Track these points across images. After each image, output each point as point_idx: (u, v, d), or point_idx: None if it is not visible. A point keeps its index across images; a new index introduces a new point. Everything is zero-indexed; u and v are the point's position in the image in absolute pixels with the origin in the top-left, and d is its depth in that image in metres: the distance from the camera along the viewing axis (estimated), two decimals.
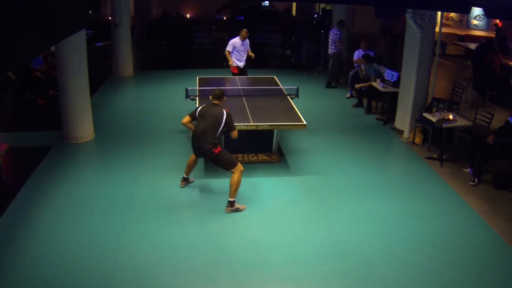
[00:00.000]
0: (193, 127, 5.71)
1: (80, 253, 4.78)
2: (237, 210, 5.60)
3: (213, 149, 5.42)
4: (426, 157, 7.35)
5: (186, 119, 5.74)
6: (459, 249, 5.01)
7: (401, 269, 4.65)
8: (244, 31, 9.35)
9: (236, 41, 9.36)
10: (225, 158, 5.54)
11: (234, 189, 5.52)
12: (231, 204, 5.58)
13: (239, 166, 5.57)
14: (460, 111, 8.57)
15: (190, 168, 6.12)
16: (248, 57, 9.60)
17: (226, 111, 5.59)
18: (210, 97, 5.83)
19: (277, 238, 5.14)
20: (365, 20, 16.19)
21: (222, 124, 5.52)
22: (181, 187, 6.17)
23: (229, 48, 9.38)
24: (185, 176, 6.19)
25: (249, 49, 9.60)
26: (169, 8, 17.85)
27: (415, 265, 4.71)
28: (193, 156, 5.98)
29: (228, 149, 6.84)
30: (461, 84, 9.21)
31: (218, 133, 5.51)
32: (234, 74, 9.56)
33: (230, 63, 9.41)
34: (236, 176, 5.52)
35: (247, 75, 9.69)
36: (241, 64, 9.54)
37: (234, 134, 5.73)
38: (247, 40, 9.49)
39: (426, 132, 7.77)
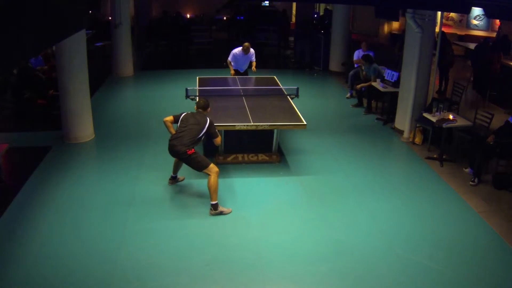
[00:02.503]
0: (173, 131, 5.77)
1: (80, 253, 4.78)
2: (221, 213, 5.54)
3: (187, 151, 5.48)
4: (426, 157, 7.35)
5: (169, 118, 5.83)
6: (459, 249, 5.01)
7: (401, 269, 4.65)
8: (245, 45, 9.12)
9: (237, 52, 9.20)
10: (197, 160, 5.54)
11: (212, 191, 5.47)
12: (214, 207, 5.52)
13: (213, 168, 5.54)
14: (460, 111, 8.57)
15: (176, 167, 6.19)
16: (250, 64, 9.37)
17: (209, 119, 5.72)
18: (195, 107, 5.99)
19: (277, 238, 5.14)
20: (365, 20, 16.19)
21: (204, 131, 5.62)
22: (169, 184, 6.25)
23: (230, 58, 9.28)
24: (172, 175, 6.26)
25: (254, 60, 9.23)
26: (169, 8, 17.85)
27: (415, 265, 4.71)
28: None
29: (228, 149, 6.86)
30: (461, 84, 9.21)
31: (196, 138, 5.58)
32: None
33: (231, 72, 9.32)
34: (211, 178, 5.48)
35: (247, 74, 9.65)
36: (241, 70, 9.47)
37: (217, 141, 5.87)
38: (252, 52, 9.21)
39: (426, 132, 7.77)
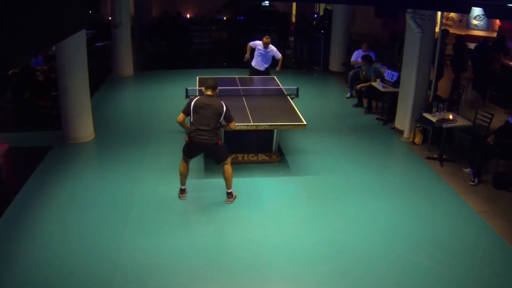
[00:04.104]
0: (188, 127, 5.57)
1: (80, 253, 4.78)
2: (235, 197, 5.87)
3: (218, 142, 5.48)
4: (426, 157, 7.35)
5: (181, 116, 5.54)
6: (459, 249, 5.01)
7: (401, 269, 4.65)
8: (264, 38, 9.02)
9: (259, 44, 9.11)
10: (223, 151, 5.65)
11: (231, 181, 5.72)
12: (231, 194, 5.80)
13: (229, 159, 5.75)
14: (460, 111, 8.56)
15: (185, 177, 5.84)
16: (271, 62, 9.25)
17: (223, 103, 5.51)
18: (203, 88, 5.74)
19: (277, 238, 5.14)
20: (365, 20, 16.18)
21: (222, 117, 5.48)
22: (182, 199, 5.86)
23: (252, 44, 9.19)
24: (182, 187, 5.88)
25: (279, 57, 9.13)
26: (169, 8, 17.86)
27: (415, 265, 4.71)
28: (183, 165, 5.75)
29: (228, 149, 6.85)
30: (461, 84, 9.21)
31: (218, 126, 5.51)
32: (251, 74, 9.39)
33: (246, 55, 9.20)
34: (229, 168, 5.69)
35: (269, 74, 9.47)
36: (261, 68, 9.32)
37: (233, 125, 5.65)
38: (272, 48, 9.08)
39: (426, 132, 7.77)
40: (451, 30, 15.65)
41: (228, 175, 5.69)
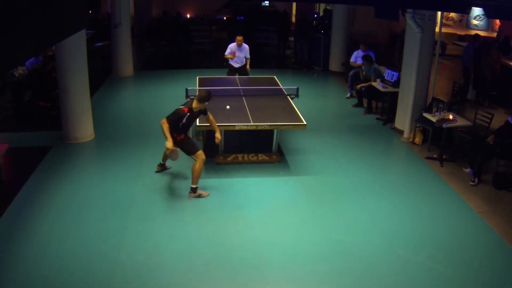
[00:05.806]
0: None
1: (80, 253, 4.78)
2: (200, 196, 5.90)
3: (177, 137, 5.79)
4: (426, 157, 7.35)
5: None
6: (459, 249, 5.01)
7: (401, 269, 4.65)
8: (237, 38, 9.47)
9: (233, 46, 9.50)
10: (188, 145, 5.92)
11: (195, 176, 5.82)
12: (193, 190, 5.88)
13: (201, 155, 5.86)
14: (460, 111, 8.56)
15: (166, 156, 6.37)
16: (245, 60, 9.65)
17: (181, 106, 5.88)
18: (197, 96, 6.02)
19: (277, 238, 5.14)
20: (365, 20, 16.18)
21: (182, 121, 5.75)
22: (156, 171, 6.54)
23: (226, 52, 9.56)
24: (161, 162, 6.57)
25: (249, 57, 9.61)
26: (169, 8, 17.86)
27: (415, 265, 4.71)
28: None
29: (228, 149, 6.86)
30: (461, 84, 9.20)
31: (179, 126, 5.75)
32: (229, 74, 9.63)
33: (229, 57, 9.52)
34: (197, 164, 5.82)
35: (247, 74, 9.67)
36: (237, 65, 9.62)
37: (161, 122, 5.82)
38: (245, 46, 9.54)
39: (426, 132, 7.77)
40: (451, 30, 15.69)
41: (193, 170, 5.83)
